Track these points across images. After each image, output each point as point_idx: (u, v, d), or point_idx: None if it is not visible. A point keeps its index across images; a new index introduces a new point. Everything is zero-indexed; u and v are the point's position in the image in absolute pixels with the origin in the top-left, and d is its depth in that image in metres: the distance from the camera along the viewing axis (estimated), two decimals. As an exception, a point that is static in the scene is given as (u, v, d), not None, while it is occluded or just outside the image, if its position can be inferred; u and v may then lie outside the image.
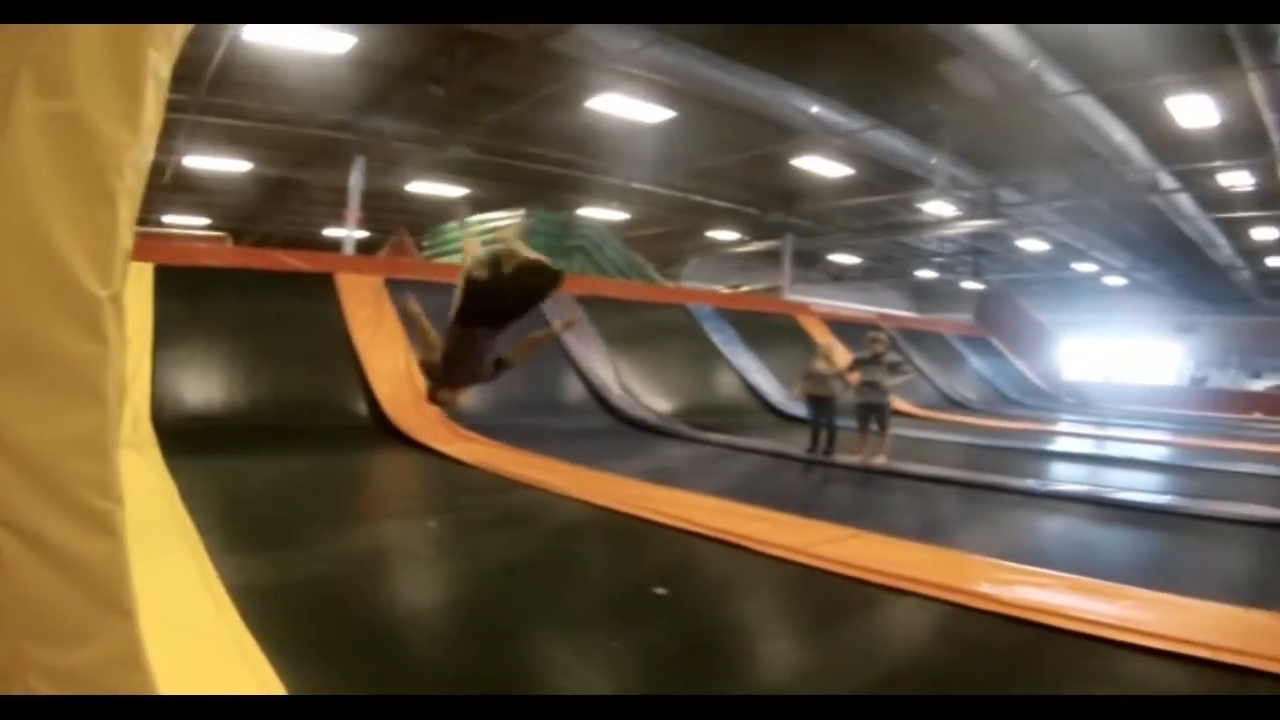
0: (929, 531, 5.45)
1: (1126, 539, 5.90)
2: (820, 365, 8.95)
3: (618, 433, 10.50)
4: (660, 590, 3.94)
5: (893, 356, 8.95)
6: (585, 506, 5.81)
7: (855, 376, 8.66)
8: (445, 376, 3.56)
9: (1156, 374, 26.01)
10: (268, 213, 18.99)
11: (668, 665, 3.12)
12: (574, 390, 11.55)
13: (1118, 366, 25.89)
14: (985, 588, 3.97)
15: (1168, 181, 13.30)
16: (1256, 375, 25.39)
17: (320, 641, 3.11)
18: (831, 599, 4.04)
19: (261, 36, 8.90)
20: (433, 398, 3.75)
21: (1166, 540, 5.83)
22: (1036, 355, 22.54)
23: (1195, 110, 9.98)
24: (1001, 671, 3.17)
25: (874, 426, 8.44)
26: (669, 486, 6.55)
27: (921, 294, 30.91)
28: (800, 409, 10.45)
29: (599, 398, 11.44)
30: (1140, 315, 25.76)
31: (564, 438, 9.08)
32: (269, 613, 3.17)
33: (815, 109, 11.00)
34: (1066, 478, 8.76)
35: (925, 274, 26.74)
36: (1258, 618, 3.60)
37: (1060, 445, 12.00)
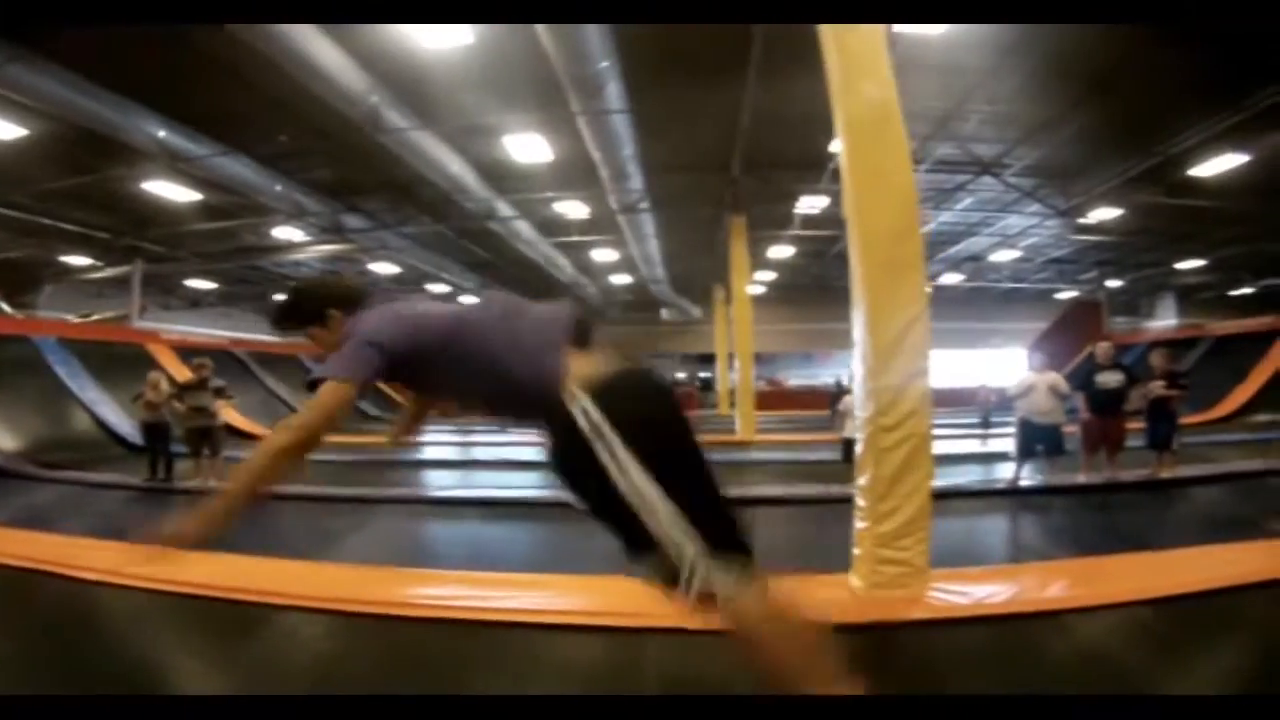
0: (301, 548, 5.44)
1: (509, 533, 6.51)
2: (150, 394, 8.95)
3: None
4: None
5: (218, 381, 8.93)
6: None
7: (181, 404, 8.70)
8: None
9: None
10: None
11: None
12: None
13: None
14: (381, 595, 4.15)
15: (505, 210, 14.93)
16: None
17: None
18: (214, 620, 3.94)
19: None
20: None
21: (548, 530, 6.47)
22: None
23: (529, 147, 11.04)
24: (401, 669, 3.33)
25: (206, 450, 8.62)
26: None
27: (285, 317, 30.09)
28: None
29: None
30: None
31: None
32: None
33: (163, 133, 10.09)
34: (442, 484, 9.79)
35: (284, 297, 26.13)
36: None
37: (424, 454, 12.80)
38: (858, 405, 4.29)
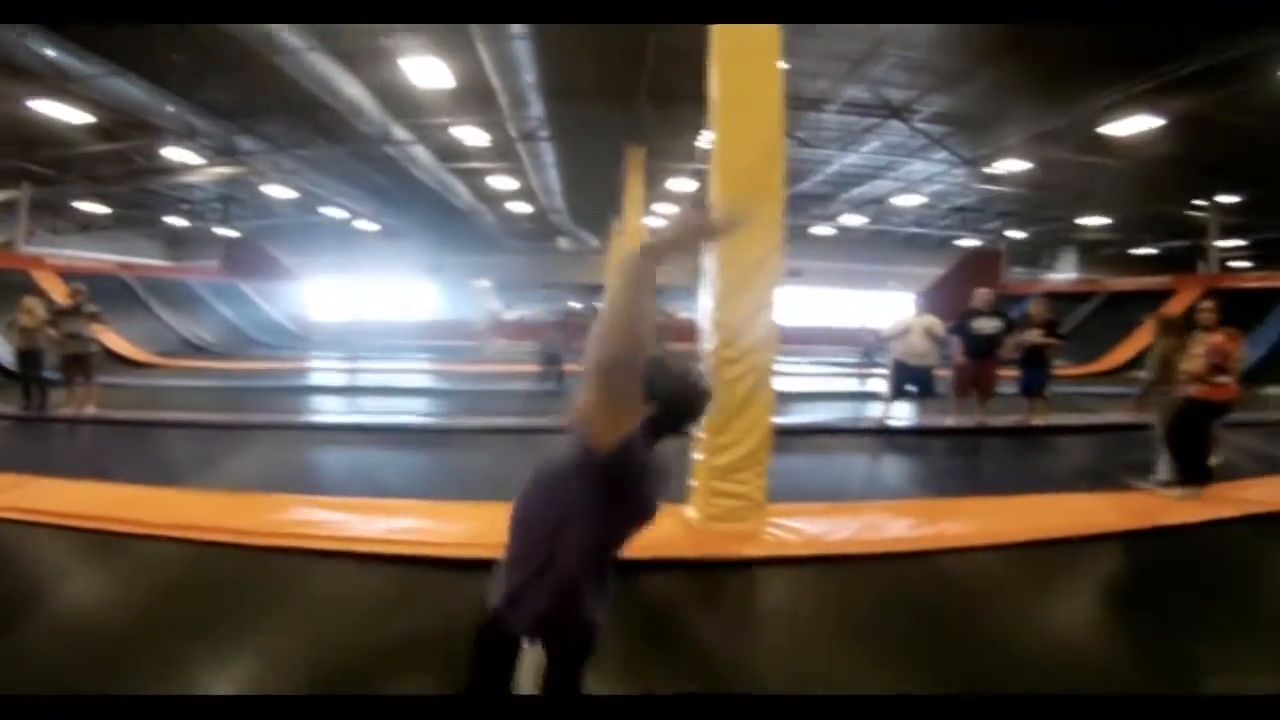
0: (168, 475, 5.31)
1: (395, 458, 6.36)
2: (23, 319, 8.53)
3: None
4: None
5: (92, 307, 8.60)
6: None
7: (55, 330, 8.37)
8: None
9: (412, 311, 27.42)
10: None
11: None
12: None
13: (374, 305, 27.36)
14: (242, 523, 4.04)
15: (402, 134, 14.42)
16: (509, 307, 30.15)
17: None
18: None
19: None
20: None
21: (435, 455, 6.48)
22: (284, 298, 22.85)
23: (429, 71, 10.85)
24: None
25: (80, 378, 8.34)
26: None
27: (177, 241, 28.82)
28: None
29: None
30: (393, 257, 28.14)
31: None
32: None
33: (51, 52, 9.35)
34: (318, 409, 9.51)
35: (177, 221, 25.02)
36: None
37: (311, 380, 12.89)
38: (704, 336, 4.19)
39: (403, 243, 27.23)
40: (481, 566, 3.35)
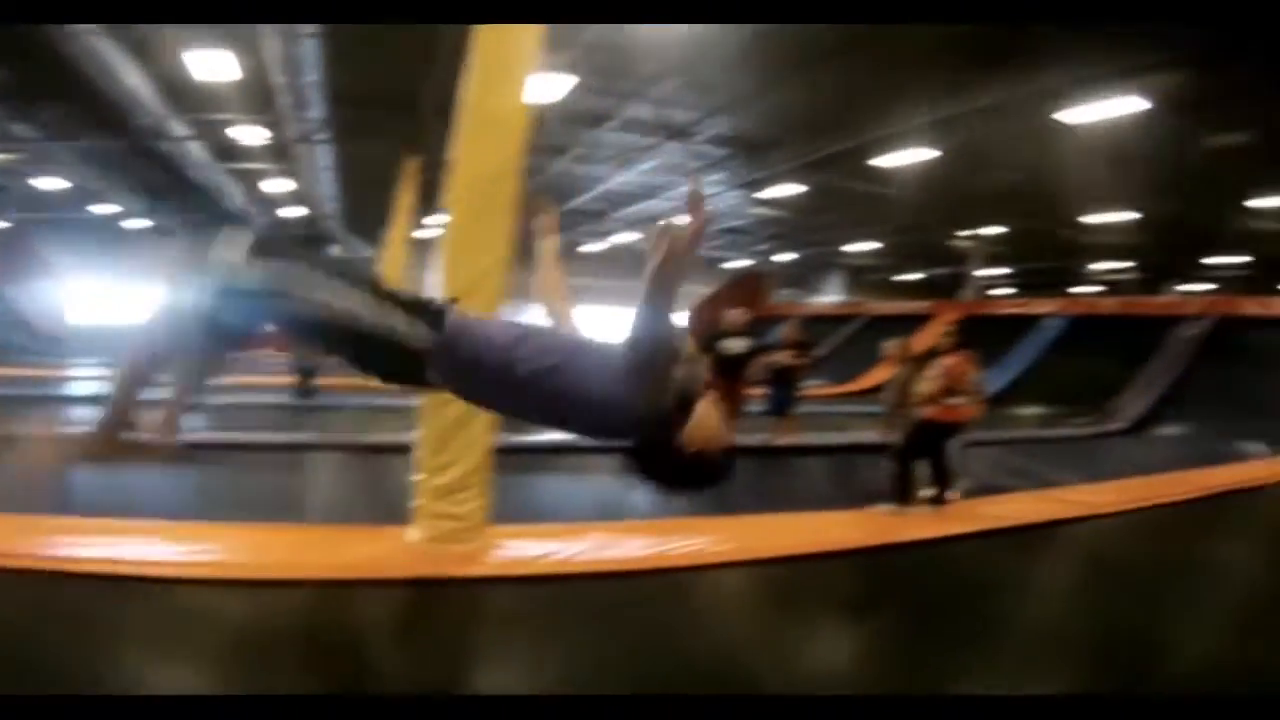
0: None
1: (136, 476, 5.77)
2: None
3: None
4: None
5: None
6: None
7: None
8: None
9: None
10: None
11: None
12: None
13: (140, 309, 25.28)
14: None
15: (179, 129, 13.39)
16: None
17: None
18: None
19: None
20: None
21: (207, 473, 5.95)
22: (44, 298, 20.73)
23: (214, 64, 9.98)
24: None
25: None
26: None
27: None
28: None
29: None
30: (161, 258, 25.81)
31: None
32: None
33: None
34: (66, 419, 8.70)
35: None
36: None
37: (69, 389, 11.99)
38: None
39: (170, 244, 25.29)
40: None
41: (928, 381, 5.54)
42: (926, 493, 5.54)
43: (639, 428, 1.76)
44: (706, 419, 1.79)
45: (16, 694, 2.33)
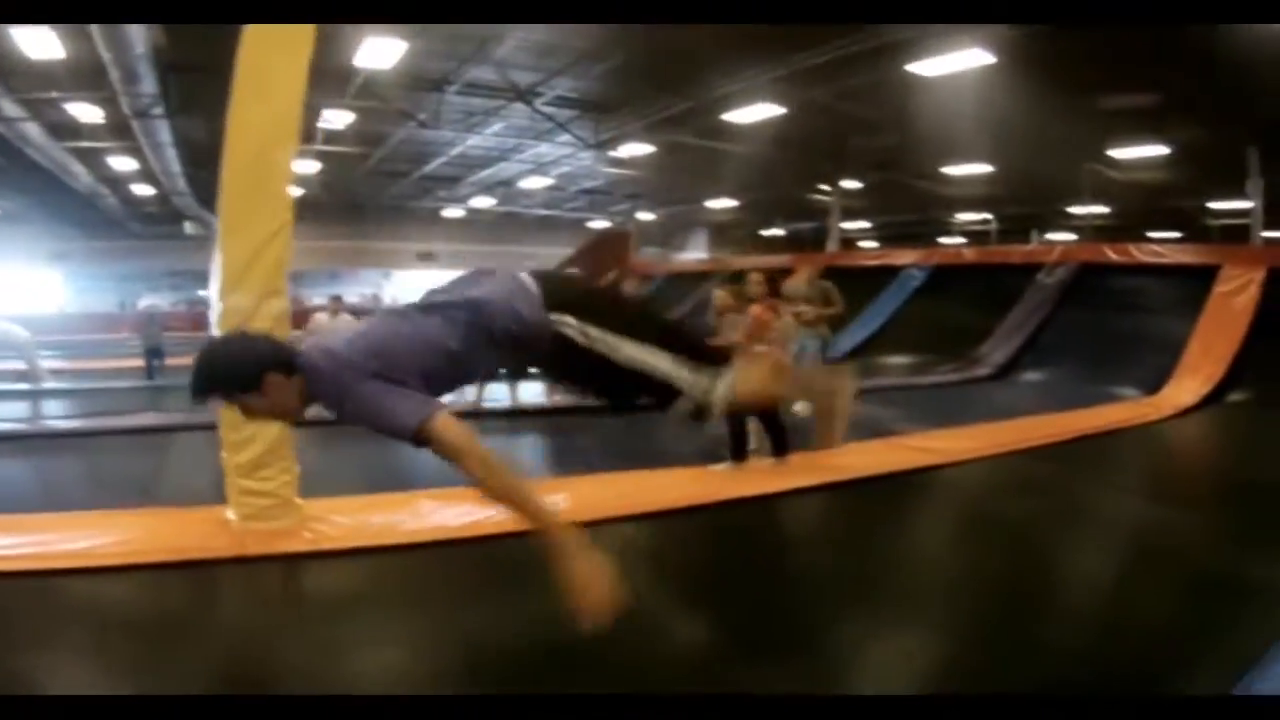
0: None
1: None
2: None
3: None
4: None
5: None
6: None
7: None
8: None
9: (36, 303, 23.83)
10: None
11: None
12: None
13: None
14: None
15: (11, 110, 12.48)
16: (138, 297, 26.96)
17: None
18: None
19: None
20: None
21: (49, 462, 5.76)
22: None
23: (40, 41, 9.22)
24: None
25: None
26: None
27: None
28: None
29: None
30: (10, 244, 24.16)
31: None
32: None
33: None
34: None
35: None
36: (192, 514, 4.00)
37: None
38: (212, 326, 3.91)
39: (22, 227, 23.60)
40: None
41: (734, 331, 5.46)
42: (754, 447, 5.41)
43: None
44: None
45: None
